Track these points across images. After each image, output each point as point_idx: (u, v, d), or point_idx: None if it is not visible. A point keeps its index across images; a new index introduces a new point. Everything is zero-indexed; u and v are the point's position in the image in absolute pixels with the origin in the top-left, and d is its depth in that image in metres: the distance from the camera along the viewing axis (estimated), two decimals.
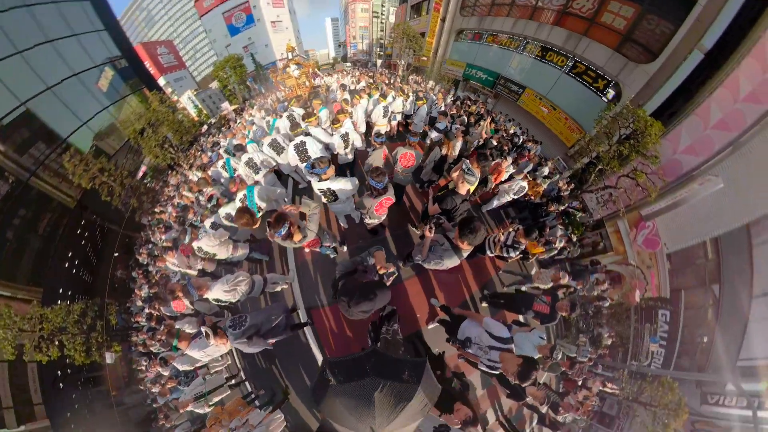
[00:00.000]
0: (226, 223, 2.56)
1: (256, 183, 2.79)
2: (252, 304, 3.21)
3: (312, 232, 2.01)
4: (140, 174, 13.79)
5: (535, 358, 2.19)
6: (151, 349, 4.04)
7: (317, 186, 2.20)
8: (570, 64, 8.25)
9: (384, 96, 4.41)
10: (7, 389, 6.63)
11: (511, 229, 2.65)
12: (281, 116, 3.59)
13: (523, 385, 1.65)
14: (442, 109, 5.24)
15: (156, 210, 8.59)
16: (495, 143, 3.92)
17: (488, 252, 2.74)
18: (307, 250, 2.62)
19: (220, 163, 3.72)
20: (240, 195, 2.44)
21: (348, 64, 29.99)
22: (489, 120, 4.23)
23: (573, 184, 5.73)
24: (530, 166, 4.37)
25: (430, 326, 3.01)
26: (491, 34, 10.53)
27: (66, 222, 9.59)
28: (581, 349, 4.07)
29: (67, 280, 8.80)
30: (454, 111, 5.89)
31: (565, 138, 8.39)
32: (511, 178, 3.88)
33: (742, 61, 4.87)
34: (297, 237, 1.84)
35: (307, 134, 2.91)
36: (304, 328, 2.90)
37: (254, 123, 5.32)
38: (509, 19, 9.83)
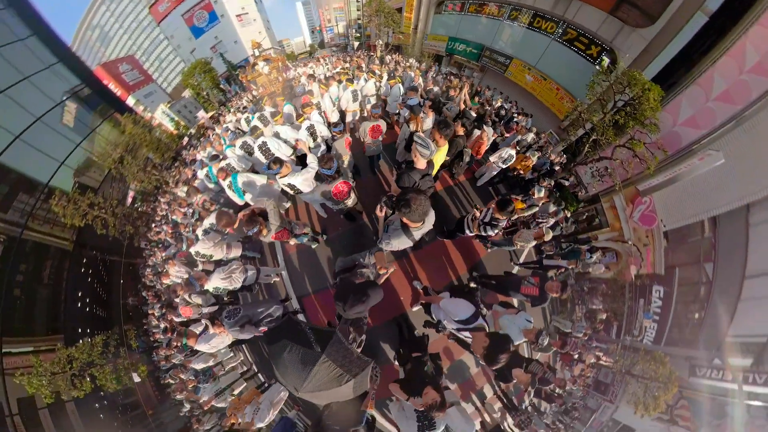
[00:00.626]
0: (213, 231, 2.86)
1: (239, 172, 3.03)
2: (251, 299, 3.55)
3: (274, 225, 2.24)
4: (129, 200, 13.80)
5: (520, 342, 2.16)
6: (173, 361, 4.58)
7: (280, 182, 2.50)
8: (560, 31, 7.78)
9: (351, 80, 4.35)
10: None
11: (488, 207, 2.48)
12: (255, 118, 3.79)
13: (494, 368, 1.60)
14: (414, 85, 4.98)
15: (151, 234, 8.81)
16: (474, 114, 3.77)
17: (467, 231, 2.67)
18: (291, 242, 3.01)
19: (203, 173, 3.92)
20: (226, 183, 2.91)
21: (323, 50, 28.00)
22: (465, 90, 3.92)
23: (565, 157, 5.59)
24: (517, 138, 4.26)
25: (414, 308, 3.19)
26: (473, 2, 9.95)
27: (68, 265, 9.84)
28: (576, 324, 4.20)
29: (84, 319, 9.24)
30: (431, 86, 5.63)
31: (557, 110, 8.04)
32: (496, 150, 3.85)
33: (750, 29, 4.43)
34: (264, 232, 2.15)
35: (277, 134, 3.19)
36: (298, 315, 3.18)
37: (229, 129, 5.38)
38: None
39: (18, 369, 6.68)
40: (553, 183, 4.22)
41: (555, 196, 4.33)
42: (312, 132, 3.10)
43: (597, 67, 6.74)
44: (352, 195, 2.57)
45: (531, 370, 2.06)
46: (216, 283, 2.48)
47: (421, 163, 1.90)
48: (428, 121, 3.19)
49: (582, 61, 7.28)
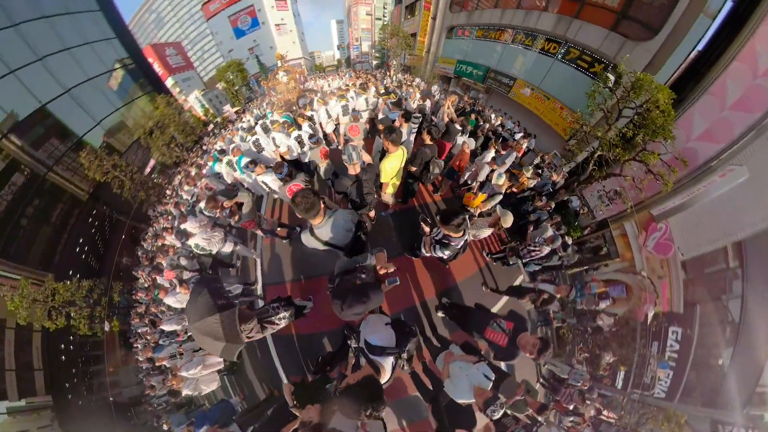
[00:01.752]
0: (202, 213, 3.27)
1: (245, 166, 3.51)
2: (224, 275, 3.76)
3: (244, 215, 2.75)
4: (148, 169, 14.85)
5: (467, 401, 1.68)
6: (146, 319, 4.85)
7: (257, 179, 3.04)
8: (562, 51, 7.92)
9: (343, 96, 4.75)
10: (12, 356, 7.57)
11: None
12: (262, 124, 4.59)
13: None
14: (398, 100, 4.99)
15: (161, 208, 9.46)
16: (459, 127, 3.61)
17: (422, 251, 2.41)
18: (263, 236, 3.43)
19: (210, 164, 4.62)
20: (235, 159, 3.55)
21: (345, 67, 30.60)
22: (447, 103, 3.95)
23: (567, 175, 4.97)
24: (513, 155, 3.75)
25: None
26: (480, 28, 10.70)
27: (77, 213, 10.68)
28: (574, 371, 3.39)
29: (77, 265, 9.79)
30: (422, 102, 5.41)
31: (562, 129, 7.82)
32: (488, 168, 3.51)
33: (758, 29, 4.05)
34: (236, 218, 2.67)
35: (273, 140, 3.82)
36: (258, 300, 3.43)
37: (243, 127, 6.15)
38: (496, 11, 9.92)
39: (3, 286, 7.19)
40: (553, 205, 3.69)
41: (553, 218, 3.58)
42: (300, 141, 3.67)
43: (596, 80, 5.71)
44: None
45: (503, 424, 1.71)
46: (198, 240, 2.92)
47: (351, 170, 2.13)
48: (402, 131, 3.13)
49: (586, 79, 7.07)
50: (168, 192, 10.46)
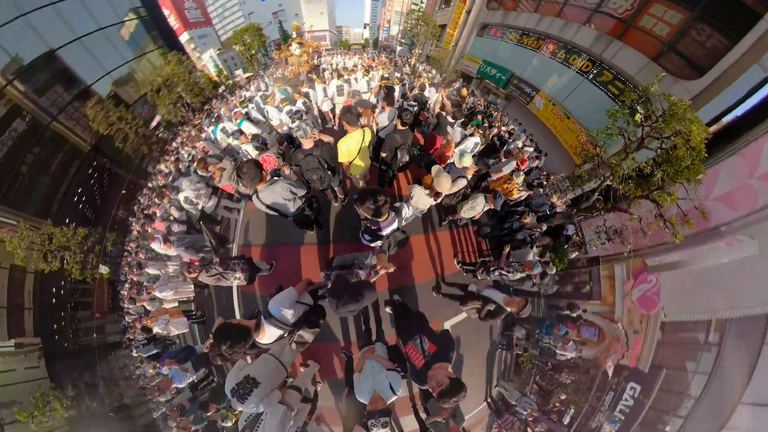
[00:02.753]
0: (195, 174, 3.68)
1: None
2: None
3: (225, 180, 3.00)
4: (153, 124, 14.83)
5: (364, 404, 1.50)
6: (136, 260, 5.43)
7: (243, 148, 3.51)
8: (595, 71, 7.53)
9: (341, 76, 4.75)
10: (3, 295, 8.01)
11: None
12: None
13: None
14: (409, 93, 4.99)
15: (160, 165, 9.69)
16: (451, 119, 3.37)
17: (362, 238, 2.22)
18: (245, 200, 3.56)
19: (211, 129, 4.91)
20: (238, 121, 4.01)
21: (372, 47, 29.13)
22: (442, 92, 3.88)
23: (570, 201, 4.56)
24: (512, 164, 3.49)
25: None
26: (514, 31, 10.14)
27: (78, 164, 10.76)
28: (524, 399, 3.38)
29: (74, 214, 10.05)
30: (420, 92, 4.91)
31: (575, 153, 7.29)
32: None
33: None
34: (217, 179, 2.95)
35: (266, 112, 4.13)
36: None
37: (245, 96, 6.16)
38: (535, 16, 9.35)
39: (1, 229, 7.64)
40: (544, 227, 3.39)
41: (541, 241, 3.29)
42: (290, 116, 3.85)
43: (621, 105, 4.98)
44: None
45: None
46: (187, 193, 3.37)
47: (305, 144, 2.31)
48: (383, 115, 3.03)
49: (613, 106, 6.48)
50: (170, 149, 10.56)
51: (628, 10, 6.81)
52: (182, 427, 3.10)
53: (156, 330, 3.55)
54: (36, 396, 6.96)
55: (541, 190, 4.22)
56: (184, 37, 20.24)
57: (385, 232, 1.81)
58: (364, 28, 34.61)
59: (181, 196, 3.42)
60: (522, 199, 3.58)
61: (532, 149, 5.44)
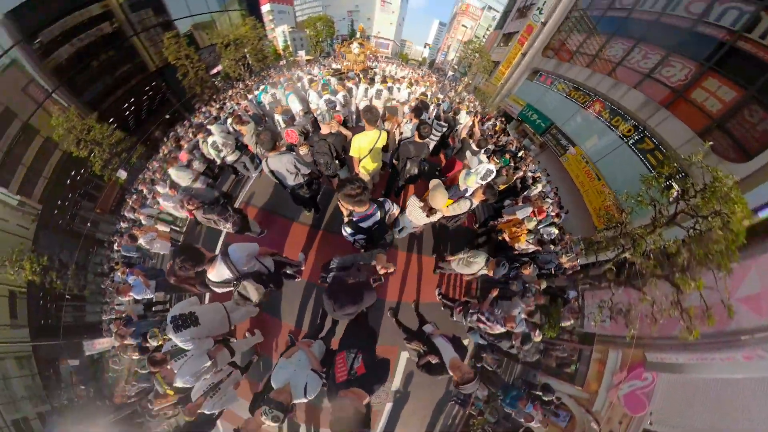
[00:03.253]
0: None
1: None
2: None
3: (246, 138, 3.46)
4: (213, 71, 16.14)
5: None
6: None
7: (276, 116, 4.09)
8: (636, 137, 7.10)
9: (385, 82, 5.18)
10: (31, 157, 8.91)
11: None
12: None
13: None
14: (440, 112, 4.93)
15: (205, 108, 10.50)
16: (475, 147, 3.08)
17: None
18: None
19: (257, 93, 5.59)
20: (286, 93, 4.51)
21: (427, 67, 30.84)
22: (474, 119, 3.88)
23: (578, 266, 3.91)
24: (528, 210, 3.18)
25: None
26: (564, 82, 10.15)
27: (138, 79, 12.14)
28: None
29: (118, 117, 11.16)
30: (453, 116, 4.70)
31: (597, 215, 6.98)
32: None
33: None
34: (244, 134, 3.34)
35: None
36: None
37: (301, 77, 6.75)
38: (586, 71, 9.28)
39: (55, 105, 8.79)
40: (543, 285, 2.98)
41: (536, 296, 2.85)
42: (327, 103, 4.25)
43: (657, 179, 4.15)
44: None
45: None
46: (216, 138, 3.70)
47: (324, 128, 2.62)
48: (408, 126, 3.10)
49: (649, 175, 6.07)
50: (218, 98, 11.41)
51: (681, 80, 6.52)
52: (120, 335, 3.15)
53: (140, 242, 3.76)
54: (14, 249, 7.44)
55: (552, 246, 3.67)
56: (265, 8, 22.43)
57: (366, 224, 1.71)
58: (425, 47, 36.93)
59: (210, 139, 3.72)
60: (529, 251, 3.17)
61: (552, 200, 5.13)
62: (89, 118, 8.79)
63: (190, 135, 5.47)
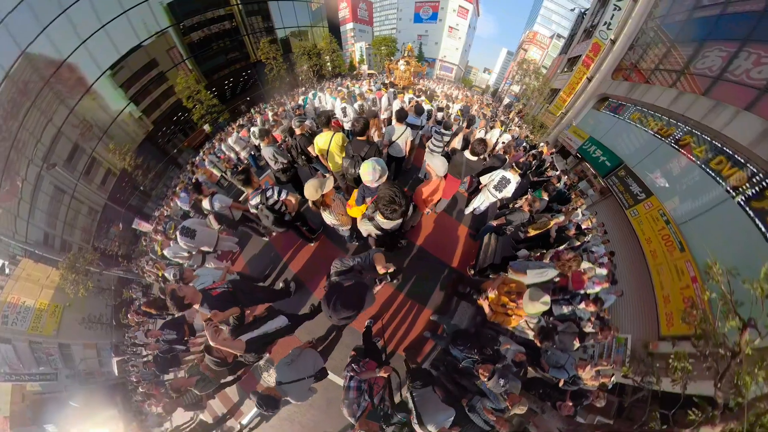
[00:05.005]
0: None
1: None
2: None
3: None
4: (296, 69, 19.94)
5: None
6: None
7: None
8: (752, 191, 4.34)
9: (402, 94, 5.87)
10: (157, 93, 13.53)
11: None
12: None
13: None
14: (421, 107, 3.80)
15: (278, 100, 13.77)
16: (470, 154, 2.36)
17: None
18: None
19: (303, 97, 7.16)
20: (331, 98, 5.61)
21: (489, 95, 30.61)
22: (500, 126, 3.84)
23: (605, 395, 1.85)
24: (549, 273, 1.96)
25: None
26: (639, 110, 7.65)
27: (243, 64, 16.58)
28: None
29: (218, 88, 15.43)
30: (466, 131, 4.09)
31: (667, 314, 4.34)
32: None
33: None
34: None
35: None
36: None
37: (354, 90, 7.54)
38: (671, 92, 6.73)
39: (182, 71, 13.72)
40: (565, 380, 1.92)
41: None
42: (341, 109, 4.66)
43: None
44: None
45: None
46: (256, 129, 4.91)
47: (297, 131, 3.09)
48: (390, 128, 3.00)
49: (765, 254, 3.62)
50: (289, 94, 14.55)
51: None
52: (157, 223, 4.50)
53: (198, 176, 5.55)
54: (125, 144, 12.34)
55: (577, 343, 2.15)
56: (349, 26, 26.66)
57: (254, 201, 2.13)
58: (484, 71, 36.69)
59: (254, 128, 4.90)
60: (523, 334, 2.08)
61: (600, 266, 3.16)
62: (201, 84, 13.34)
63: (258, 117, 7.38)
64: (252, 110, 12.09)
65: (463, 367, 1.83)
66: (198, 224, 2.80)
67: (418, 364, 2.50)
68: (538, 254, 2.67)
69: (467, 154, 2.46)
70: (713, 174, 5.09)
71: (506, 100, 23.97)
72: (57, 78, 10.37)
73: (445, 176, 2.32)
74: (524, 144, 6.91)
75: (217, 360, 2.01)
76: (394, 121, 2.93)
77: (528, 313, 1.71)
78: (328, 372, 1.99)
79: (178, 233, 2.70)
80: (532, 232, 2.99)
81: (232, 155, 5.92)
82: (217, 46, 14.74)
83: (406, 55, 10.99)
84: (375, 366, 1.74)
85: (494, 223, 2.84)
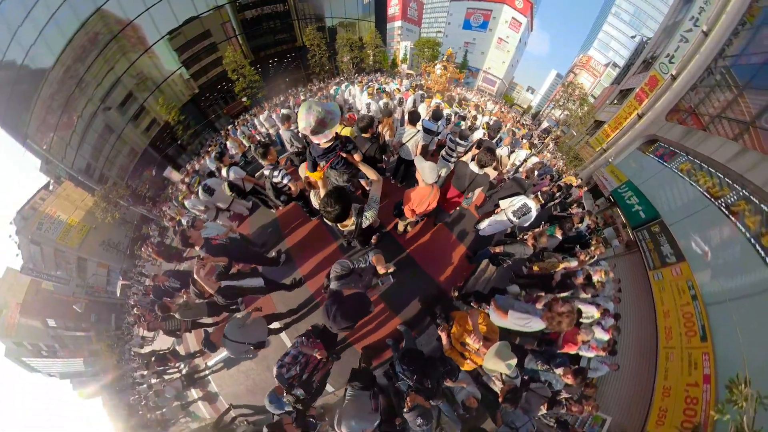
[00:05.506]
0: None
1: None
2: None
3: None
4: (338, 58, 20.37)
5: None
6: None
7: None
8: None
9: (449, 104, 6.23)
10: (206, 62, 14.71)
11: None
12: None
13: None
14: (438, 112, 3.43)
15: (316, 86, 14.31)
16: (475, 166, 2.02)
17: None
18: None
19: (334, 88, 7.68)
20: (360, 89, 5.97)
21: (530, 117, 29.45)
22: (528, 147, 3.80)
23: None
24: (537, 324, 1.62)
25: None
26: (690, 160, 6.61)
27: (288, 46, 17.36)
28: None
29: (263, 67, 16.27)
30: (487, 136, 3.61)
31: (659, 411, 3.64)
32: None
33: None
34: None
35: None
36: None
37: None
38: (732, 145, 5.75)
39: (231, 45, 14.51)
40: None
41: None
42: (366, 104, 5.13)
43: None
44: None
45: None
46: (284, 111, 5.13)
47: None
48: (402, 129, 2.96)
49: None
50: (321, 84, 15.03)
51: None
52: (187, 174, 4.94)
53: (228, 143, 6.19)
54: (169, 102, 13.56)
55: (544, 409, 1.96)
56: (397, 24, 26.76)
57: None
58: (529, 91, 35.10)
59: (283, 110, 5.31)
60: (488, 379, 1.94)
61: (601, 327, 2.70)
62: (247, 60, 14.17)
63: (292, 99, 8.06)
64: (288, 92, 12.78)
65: (398, 387, 1.77)
66: (218, 184, 3.28)
67: (368, 367, 2.47)
68: (534, 296, 2.20)
69: (472, 165, 2.14)
70: (763, 252, 4.04)
71: (545, 124, 22.74)
72: (123, 35, 11.83)
73: (447, 186, 2.28)
74: (552, 173, 6.42)
75: (198, 292, 2.37)
76: (405, 123, 2.87)
77: (485, 367, 1.56)
78: (267, 344, 2.20)
79: (200, 188, 3.23)
80: (535, 269, 2.77)
81: (263, 130, 6.36)
82: (267, 26, 15.48)
83: (444, 59, 10.78)
84: (321, 347, 1.81)
85: (493, 249, 2.57)
